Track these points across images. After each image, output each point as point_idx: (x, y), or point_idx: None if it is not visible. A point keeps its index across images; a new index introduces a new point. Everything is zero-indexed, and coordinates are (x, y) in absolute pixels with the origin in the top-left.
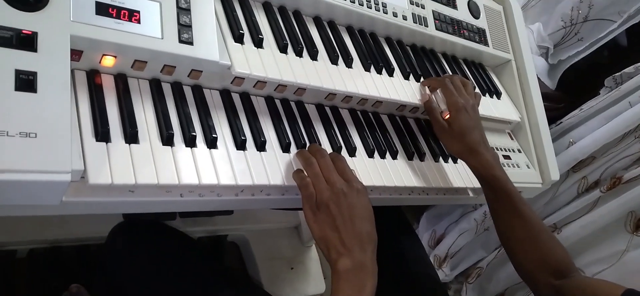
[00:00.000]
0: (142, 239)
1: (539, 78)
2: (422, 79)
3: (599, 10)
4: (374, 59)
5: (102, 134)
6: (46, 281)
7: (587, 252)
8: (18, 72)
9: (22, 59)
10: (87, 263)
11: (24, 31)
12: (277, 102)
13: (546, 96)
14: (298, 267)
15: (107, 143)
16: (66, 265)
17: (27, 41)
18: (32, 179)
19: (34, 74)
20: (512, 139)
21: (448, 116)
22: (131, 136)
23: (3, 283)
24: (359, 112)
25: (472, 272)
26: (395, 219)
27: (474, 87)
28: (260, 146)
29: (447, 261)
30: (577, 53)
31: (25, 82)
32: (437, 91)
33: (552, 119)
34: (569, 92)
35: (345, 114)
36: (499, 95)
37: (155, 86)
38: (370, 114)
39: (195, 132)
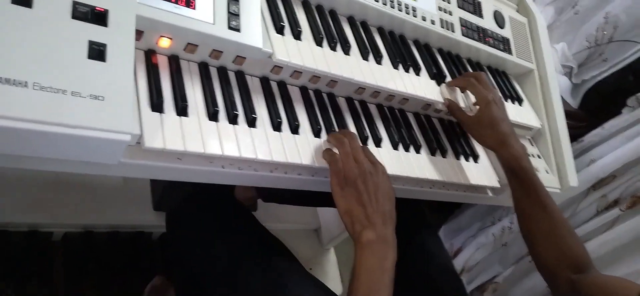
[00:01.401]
0: (205, 206)
1: (562, 97)
2: (447, 79)
3: (623, 32)
4: (402, 58)
5: (156, 104)
6: (79, 263)
7: (606, 270)
8: (91, 43)
9: (95, 32)
10: (117, 249)
11: (97, 8)
12: (311, 92)
13: (569, 114)
14: (316, 268)
15: (160, 114)
16: (98, 250)
17: (99, 17)
18: (98, 136)
19: (104, 45)
20: (532, 145)
21: (475, 110)
22: (182, 108)
23: (40, 263)
24: (386, 108)
25: (488, 287)
26: (421, 219)
27: (487, 80)
28: (294, 129)
29: (463, 275)
30: (601, 73)
31: (97, 52)
32: (459, 92)
33: (573, 137)
34: (592, 113)
35: (373, 109)
36: (521, 102)
37: (204, 69)
38: (396, 110)
39: (237, 111)
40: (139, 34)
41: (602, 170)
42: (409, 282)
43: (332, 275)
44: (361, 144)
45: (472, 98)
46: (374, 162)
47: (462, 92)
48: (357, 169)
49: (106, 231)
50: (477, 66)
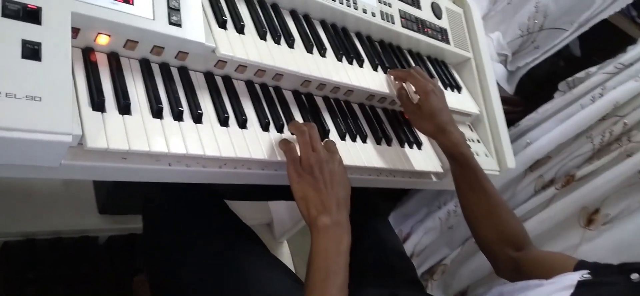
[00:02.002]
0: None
1: (498, 83)
2: (389, 70)
3: (553, 20)
4: (345, 51)
5: (97, 103)
6: (21, 272)
7: (544, 247)
8: (24, 42)
9: (28, 31)
10: (61, 255)
11: (29, 5)
12: (257, 86)
13: (505, 100)
14: None
15: (102, 113)
16: (41, 257)
17: (32, 14)
18: (37, 139)
19: (39, 44)
20: (471, 130)
21: (417, 100)
22: (124, 107)
23: None
24: (332, 100)
25: (437, 269)
26: (372, 207)
27: (434, 78)
28: (242, 123)
29: (413, 259)
30: (534, 60)
31: (31, 51)
32: (406, 82)
33: (510, 122)
34: (527, 98)
35: (320, 101)
36: (459, 89)
37: (145, 66)
38: (342, 102)
39: (182, 107)
40: (75, 31)
41: (537, 152)
42: (363, 268)
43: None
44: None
45: (412, 89)
46: (333, 151)
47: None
48: (313, 158)
49: (48, 238)
50: (417, 56)
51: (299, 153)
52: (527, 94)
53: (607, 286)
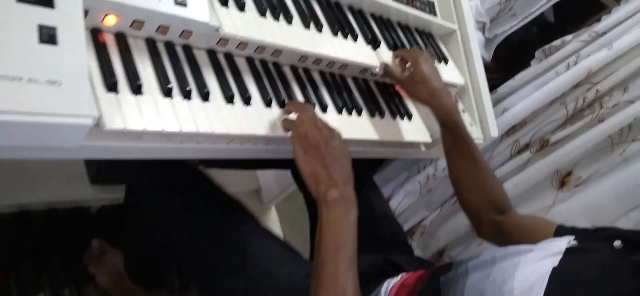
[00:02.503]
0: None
1: None
2: (382, 44)
3: None
4: (340, 26)
5: (111, 85)
6: (16, 243)
7: (519, 208)
8: (40, 27)
9: (43, 15)
10: (56, 225)
11: None
12: (257, 63)
13: (483, 68)
14: None
15: (115, 94)
16: (35, 228)
17: None
18: (60, 122)
19: (54, 28)
20: (457, 101)
21: (409, 71)
22: (136, 87)
23: None
24: (327, 74)
25: (416, 230)
26: (363, 175)
27: (432, 54)
28: (247, 101)
29: None
30: (511, 27)
31: (48, 35)
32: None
33: (488, 89)
34: (503, 63)
35: (316, 76)
36: (446, 61)
37: (152, 45)
38: (337, 76)
39: (190, 86)
40: (84, 13)
41: (514, 117)
42: (359, 230)
43: (275, 233)
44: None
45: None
46: (331, 129)
47: (402, 61)
48: (319, 134)
49: (42, 209)
50: (406, 28)
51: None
52: (502, 60)
53: (592, 252)
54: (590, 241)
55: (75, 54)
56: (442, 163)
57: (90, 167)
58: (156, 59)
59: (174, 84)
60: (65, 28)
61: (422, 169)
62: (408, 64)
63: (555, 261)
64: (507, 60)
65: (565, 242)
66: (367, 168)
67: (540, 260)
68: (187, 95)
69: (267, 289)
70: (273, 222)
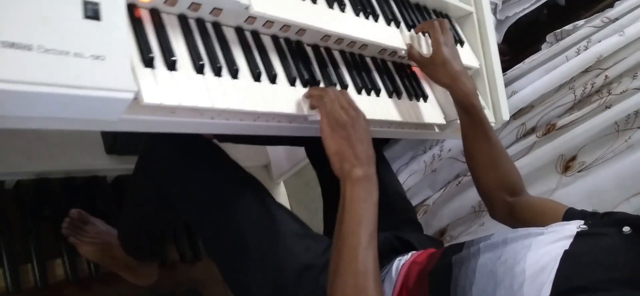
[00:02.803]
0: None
1: None
2: (401, 25)
3: None
4: (362, 6)
5: (148, 60)
6: (34, 210)
7: None
8: (85, 2)
9: None
10: (73, 193)
11: None
12: (282, 41)
13: (497, 51)
14: None
15: (152, 69)
16: (53, 195)
17: None
18: (103, 96)
19: (97, 3)
20: (468, 75)
21: (430, 53)
22: (171, 63)
23: None
24: (348, 54)
25: (419, 209)
26: (379, 154)
27: (448, 25)
28: (273, 79)
29: None
30: (523, 9)
31: (92, 11)
32: (420, 34)
33: None
34: (511, 45)
35: (337, 55)
36: (462, 43)
37: (183, 21)
38: (357, 56)
39: (220, 64)
40: None
41: (522, 100)
42: None
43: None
44: (343, 90)
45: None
46: (356, 108)
47: (423, 35)
48: (346, 115)
49: (60, 177)
50: (423, 9)
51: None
52: (511, 41)
53: (602, 236)
54: (600, 226)
55: (117, 29)
56: (448, 144)
57: (107, 137)
58: (188, 36)
59: (205, 60)
60: (108, 4)
61: (427, 149)
62: (430, 42)
63: (566, 244)
64: (516, 42)
65: (575, 226)
66: (379, 146)
67: (552, 243)
68: (217, 72)
69: (288, 264)
70: (282, 197)
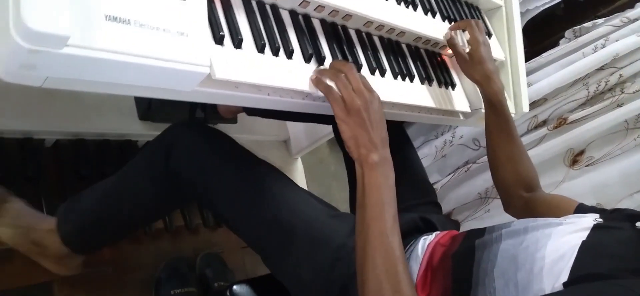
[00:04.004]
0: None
1: None
2: (437, 15)
3: None
4: None
5: (219, 38)
6: (71, 168)
7: None
8: None
9: None
10: (107, 155)
11: None
12: (329, 25)
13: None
14: None
15: (221, 47)
16: (89, 156)
17: None
18: (184, 69)
19: None
20: (498, 73)
21: (469, 49)
22: (238, 42)
23: (33, 168)
24: (386, 40)
25: None
26: (403, 136)
27: (483, 27)
28: (321, 61)
29: None
30: (544, 3)
31: None
32: (459, 31)
33: None
34: (527, 37)
35: (377, 40)
36: (490, 36)
37: (246, 2)
38: (394, 42)
39: (278, 44)
40: None
41: (536, 93)
42: (397, 186)
43: (299, 183)
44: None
45: (465, 37)
46: (370, 90)
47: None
48: (359, 99)
49: (96, 139)
50: (457, 2)
51: (340, 93)
52: (526, 33)
53: (617, 230)
54: (614, 220)
55: (199, 8)
56: (460, 131)
57: (140, 105)
58: (251, 16)
59: (265, 40)
60: None
61: (440, 134)
62: (467, 40)
63: (583, 235)
64: (531, 33)
65: (592, 219)
66: (402, 127)
67: (571, 233)
68: (276, 52)
69: (322, 246)
70: (299, 172)
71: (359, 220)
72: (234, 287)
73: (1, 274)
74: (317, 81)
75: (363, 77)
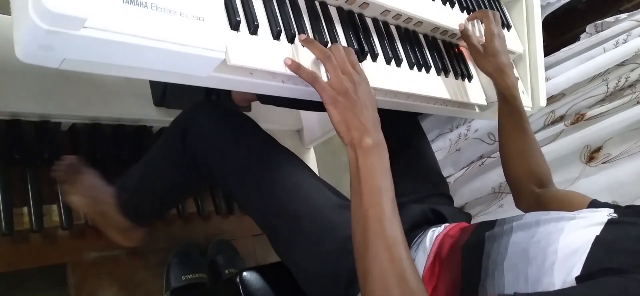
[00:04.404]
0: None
1: None
2: (456, 5)
3: None
4: None
5: (235, 24)
6: (87, 152)
7: None
8: None
9: None
10: (122, 140)
11: None
12: (346, 13)
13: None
14: None
15: (237, 32)
16: (104, 140)
17: None
18: (202, 54)
19: None
20: (512, 67)
21: (483, 41)
22: (254, 28)
23: (50, 150)
24: (403, 29)
25: None
26: (416, 126)
27: (500, 19)
28: None
29: None
30: None
31: None
32: (474, 21)
33: None
34: (547, 31)
35: (393, 30)
36: (509, 28)
37: None
38: (410, 31)
39: (294, 31)
40: None
41: (554, 88)
42: (407, 182)
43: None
44: (348, 48)
45: (481, 29)
46: (359, 71)
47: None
48: (347, 82)
49: (111, 124)
50: None
51: (326, 77)
52: (546, 26)
53: (632, 225)
54: (628, 216)
55: None
56: (476, 124)
57: (156, 91)
58: (267, 3)
59: (281, 27)
60: None
61: (454, 127)
62: (479, 35)
63: (597, 230)
64: (552, 27)
65: (606, 214)
66: (416, 119)
67: (584, 228)
68: (291, 39)
69: (331, 236)
70: (311, 162)
71: (355, 208)
72: (244, 273)
73: (17, 254)
74: (297, 67)
75: (351, 55)
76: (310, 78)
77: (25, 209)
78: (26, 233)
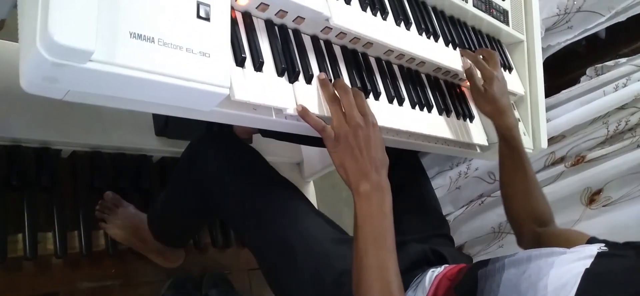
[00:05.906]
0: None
1: None
2: (458, 49)
3: (591, 3)
4: (425, 26)
5: (240, 60)
6: (86, 179)
7: None
8: (198, 3)
9: None
10: (122, 168)
11: None
12: (350, 52)
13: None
14: None
15: (242, 68)
16: (104, 168)
17: None
18: (206, 90)
19: (209, 5)
20: (514, 108)
21: (483, 83)
22: (259, 65)
23: (50, 177)
24: (405, 69)
25: None
26: (419, 166)
27: (498, 59)
28: None
29: None
30: (566, 40)
31: (204, 11)
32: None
33: None
34: (547, 73)
35: (396, 69)
36: (510, 70)
37: (269, 26)
38: (413, 71)
39: (298, 69)
40: None
41: (554, 129)
42: (408, 223)
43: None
44: (356, 91)
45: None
46: (366, 114)
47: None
48: (347, 126)
49: (112, 152)
50: (478, 33)
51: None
52: (546, 69)
53: (622, 258)
54: (619, 249)
55: (222, 30)
56: (476, 163)
57: (158, 121)
58: (273, 40)
59: (286, 64)
60: (217, 6)
61: (454, 165)
62: (480, 77)
63: (587, 263)
64: (552, 69)
65: (596, 248)
66: (417, 157)
67: (574, 262)
68: (295, 77)
69: (326, 270)
70: (311, 196)
71: (355, 250)
72: None
73: (10, 282)
74: (305, 113)
75: (360, 98)
76: (318, 127)
77: (20, 236)
78: (19, 261)
